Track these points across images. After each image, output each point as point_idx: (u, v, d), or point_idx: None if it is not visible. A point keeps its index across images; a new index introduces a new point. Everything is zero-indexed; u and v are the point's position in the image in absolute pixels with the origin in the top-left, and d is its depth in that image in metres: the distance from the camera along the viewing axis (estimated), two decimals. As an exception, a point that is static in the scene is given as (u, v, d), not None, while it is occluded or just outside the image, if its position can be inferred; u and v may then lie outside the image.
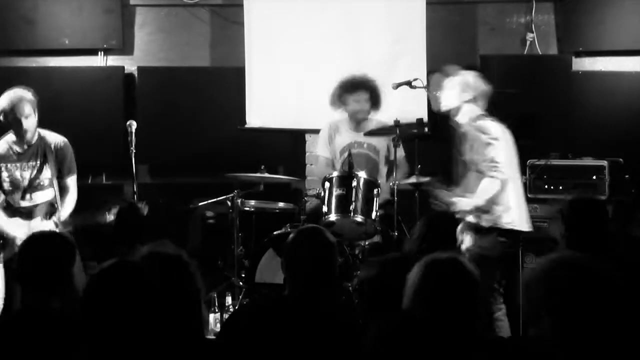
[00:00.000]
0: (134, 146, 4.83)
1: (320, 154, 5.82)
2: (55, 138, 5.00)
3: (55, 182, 4.94)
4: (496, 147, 4.42)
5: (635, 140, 5.97)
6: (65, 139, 5.01)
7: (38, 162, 4.93)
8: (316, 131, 6.05)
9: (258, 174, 5.54)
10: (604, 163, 5.57)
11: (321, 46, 6.43)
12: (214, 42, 6.79)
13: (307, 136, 6.63)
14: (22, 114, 4.80)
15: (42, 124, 5.07)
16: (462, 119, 4.59)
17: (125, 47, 6.72)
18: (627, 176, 5.56)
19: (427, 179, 5.15)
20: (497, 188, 4.39)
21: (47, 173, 4.93)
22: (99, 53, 6.72)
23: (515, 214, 4.49)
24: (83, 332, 2.07)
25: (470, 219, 4.46)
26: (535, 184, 5.63)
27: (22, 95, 4.83)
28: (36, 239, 3.03)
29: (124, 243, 2.96)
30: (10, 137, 4.93)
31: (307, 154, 6.65)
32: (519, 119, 5.57)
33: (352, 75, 5.68)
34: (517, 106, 4.90)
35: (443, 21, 6.54)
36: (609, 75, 6.41)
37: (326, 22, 6.44)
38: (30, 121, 4.84)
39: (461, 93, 4.60)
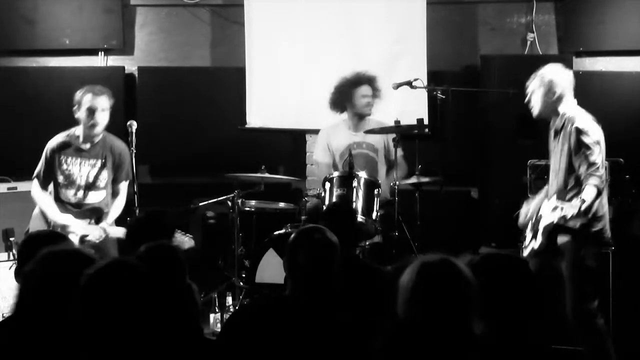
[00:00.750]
0: (134, 146, 4.83)
1: (320, 159, 5.80)
2: (119, 143, 5.06)
3: (109, 186, 4.98)
4: (596, 151, 4.19)
5: (635, 140, 5.96)
6: (127, 147, 5.03)
7: (99, 163, 4.98)
8: (316, 131, 6.05)
9: (258, 174, 5.54)
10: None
11: (321, 46, 6.43)
12: (214, 42, 6.79)
13: (308, 136, 6.62)
14: (99, 105, 4.88)
15: (41, 123, 5.08)
16: (558, 121, 4.33)
17: (125, 47, 6.72)
18: (627, 176, 5.55)
19: (427, 179, 5.17)
20: (598, 193, 4.11)
21: (105, 175, 4.99)
22: (100, 53, 6.72)
23: (607, 221, 4.29)
24: (83, 332, 2.07)
25: (569, 224, 4.12)
26: (535, 184, 5.60)
27: (103, 89, 4.95)
28: (35, 239, 3.02)
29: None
30: (76, 131, 4.98)
31: (307, 154, 6.64)
32: (519, 119, 5.58)
33: (355, 72, 5.70)
34: (517, 106, 4.89)
35: (443, 21, 6.53)
36: (609, 75, 6.41)
37: (326, 22, 6.43)
38: (103, 116, 4.91)
39: (547, 93, 4.32)
